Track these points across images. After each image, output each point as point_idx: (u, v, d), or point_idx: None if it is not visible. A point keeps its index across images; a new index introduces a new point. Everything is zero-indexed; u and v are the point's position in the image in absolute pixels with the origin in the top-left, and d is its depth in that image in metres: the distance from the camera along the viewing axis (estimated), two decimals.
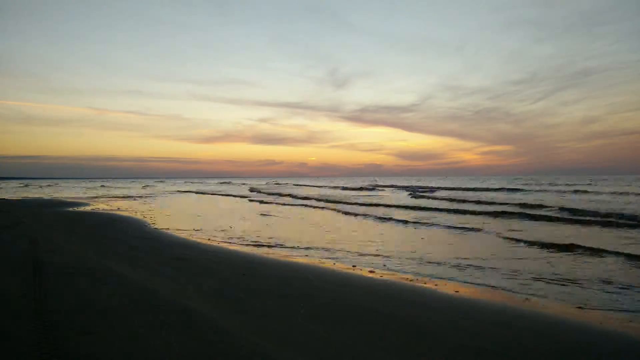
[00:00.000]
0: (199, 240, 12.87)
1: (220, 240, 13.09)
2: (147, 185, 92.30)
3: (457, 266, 9.10)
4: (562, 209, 21.45)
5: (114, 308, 5.45)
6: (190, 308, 5.52)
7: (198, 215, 22.33)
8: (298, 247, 11.66)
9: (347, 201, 32.08)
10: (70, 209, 25.18)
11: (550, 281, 7.77)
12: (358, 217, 21.18)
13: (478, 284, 7.59)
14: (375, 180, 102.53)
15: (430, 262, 9.54)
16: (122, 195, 44.45)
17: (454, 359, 4.15)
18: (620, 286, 7.36)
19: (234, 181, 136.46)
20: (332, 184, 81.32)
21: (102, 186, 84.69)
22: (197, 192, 54.92)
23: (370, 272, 8.56)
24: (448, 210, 22.99)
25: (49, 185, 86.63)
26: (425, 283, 7.61)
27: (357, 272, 8.60)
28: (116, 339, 4.37)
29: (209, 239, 13.10)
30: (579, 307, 6.19)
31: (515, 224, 17.19)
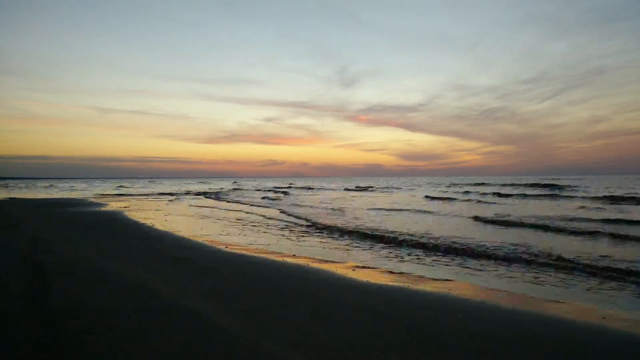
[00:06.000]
0: (199, 240, 12.87)
1: None
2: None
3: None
4: None
5: (114, 308, 5.44)
6: (190, 308, 5.52)
7: None
8: None
9: None
10: (71, 209, 25.17)
11: None
12: None
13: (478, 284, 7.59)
14: None
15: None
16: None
17: (454, 359, 4.14)
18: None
19: (242, 182, 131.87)
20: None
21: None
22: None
23: (372, 272, 8.56)
24: None
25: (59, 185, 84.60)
26: (426, 283, 7.61)
27: (358, 271, 8.59)
28: (116, 339, 4.36)
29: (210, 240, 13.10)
30: (583, 306, 6.19)
31: None
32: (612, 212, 21.17)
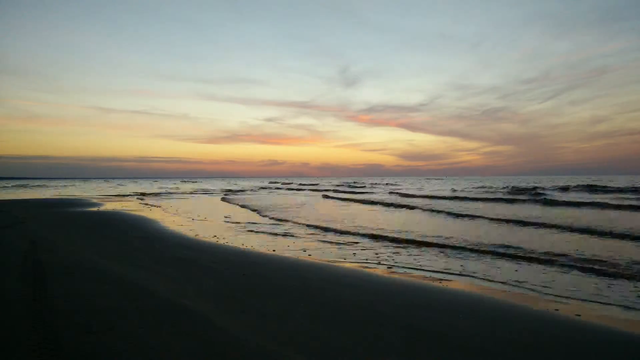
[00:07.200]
0: (199, 239, 12.87)
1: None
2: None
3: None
4: None
5: (114, 308, 5.44)
6: (190, 308, 5.52)
7: None
8: None
9: None
10: (71, 209, 25.18)
11: None
12: None
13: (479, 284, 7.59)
14: None
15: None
16: None
17: (454, 359, 4.14)
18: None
19: (240, 182, 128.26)
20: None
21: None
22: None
23: (372, 271, 8.56)
24: None
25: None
26: (425, 282, 7.61)
27: (359, 271, 8.59)
28: (116, 339, 4.36)
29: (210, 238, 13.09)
30: (584, 304, 6.19)
31: None
32: None
